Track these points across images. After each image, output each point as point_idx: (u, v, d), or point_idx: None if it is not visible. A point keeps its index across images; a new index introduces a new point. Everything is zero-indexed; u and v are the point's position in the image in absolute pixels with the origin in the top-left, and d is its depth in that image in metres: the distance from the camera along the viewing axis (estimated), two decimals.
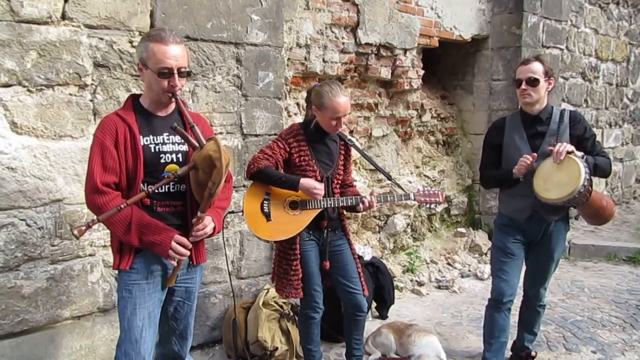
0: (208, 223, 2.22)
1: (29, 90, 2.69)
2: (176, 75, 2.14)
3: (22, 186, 2.70)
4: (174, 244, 2.12)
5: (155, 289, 2.24)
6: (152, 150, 2.19)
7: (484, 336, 3.20)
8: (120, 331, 2.22)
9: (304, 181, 2.78)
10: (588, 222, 3.26)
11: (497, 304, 3.11)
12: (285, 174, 2.83)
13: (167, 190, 2.22)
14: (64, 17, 2.77)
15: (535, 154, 2.88)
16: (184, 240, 2.15)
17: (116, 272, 2.46)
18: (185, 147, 2.25)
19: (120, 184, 2.15)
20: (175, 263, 2.19)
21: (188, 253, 2.17)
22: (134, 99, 2.27)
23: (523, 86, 2.94)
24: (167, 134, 2.23)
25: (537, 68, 2.94)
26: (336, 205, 2.92)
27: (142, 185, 2.16)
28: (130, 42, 3.01)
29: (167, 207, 2.23)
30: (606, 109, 7.75)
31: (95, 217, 2.04)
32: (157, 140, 2.21)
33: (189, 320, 2.41)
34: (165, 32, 2.16)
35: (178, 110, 2.28)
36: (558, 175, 2.79)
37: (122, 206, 2.03)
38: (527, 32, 5.78)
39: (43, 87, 2.74)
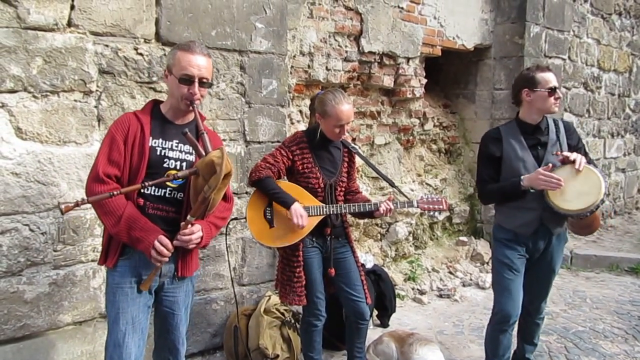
0: (196, 231, 2.20)
1: (34, 96, 2.71)
2: (196, 84, 2.19)
3: (26, 191, 2.71)
4: (156, 242, 2.11)
5: (140, 293, 2.23)
6: (158, 153, 2.22)
7: (487, 353, 3.11)
8: (107, 333, 2.24)
9: (294, 207, 2.76)
10: (580, 232, 3.16)
11: (502, 327, 2.97)
12: (282, 191, 2.82)
13: (163, 194, 2.23)
14: (70, 24, 2.80)
15: (550, 165, 2.78)
16: (167, 241, 2.13)
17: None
18: (191, 157, 2.27)
19: (121, 179, 2.17)
20: (158, 264, 2.16)
21: (169, 254, 2.14)
22: (155, 103, 2.34)
23: (559, 94, 2.86)
24: (177, 141, 2.26)
25: None
26: (348, 211, 2.93)
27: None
28: (136, 49, 3.03)
29: (159, 210, 2.23)
30: (608, 119, 7.76)
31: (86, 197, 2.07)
32: (165, 144, 2.24)
33: (180, 331, 2.39)
34: (194, 43, 2.26)
35: (197, 126, 2.29)
36: (576, 186, 2.72)
37: (115, 193, 2.04)
38: (530, 41, 5.80)
39: (48, 93, 2.75)
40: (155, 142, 2.22)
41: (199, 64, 2.20)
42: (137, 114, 2.25)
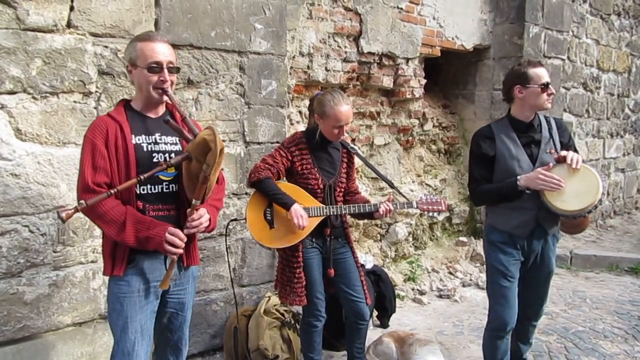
0: (203, 214, 2.19)
1: (33, 98, 2.71)
2: (166, 71, 2.15)
3: (25, 192, 2.71)
4: (168, 235, 2.08)
5: (148, 300, 2.19)
6: (145, 150, 2.17)
7: (485, 358, 3.07)
8: (113, 342, 2.20)
9: (294, 208, 2.77)
10: (569, 231, 3.08)
11: (499, 334, 2.92)
12: (282, 192, 2.82)
13: (160, 190, 2.19)
14: (69, 25, 2.80)
15: (551, 165, 2.70)
16: (178, 231, 2.12)
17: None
18: (178, 147, 2.24)
19: (112, 185, 2.10)
20: (175, 257, 2.14)
21: (183, 245, 2.13)
22: (126, 102, 2.27)
23: (552, 90, 2.78)
24: (160, 133, 2.22)
25: None
26: (347, 212, 2.93)
27: (136, 187, 2.13)
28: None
29: (160, 210, 2.19)
30: (607, 119, 7.77)
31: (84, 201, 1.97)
32: (149, 139, 2.20)
33: (184, 331, 2.38)
34: (152, 32, 2.21)
35: (169, 111, 2.29)
36: (574, 185, 2.65)
37: (112, 192, 1.99)
38: (529, 42, 5.81)
39: (48, 95, 2.76)
40: (138, 139, 2.17)
41: (163, 50, 2.16)
42: (110, 115, 2.18)
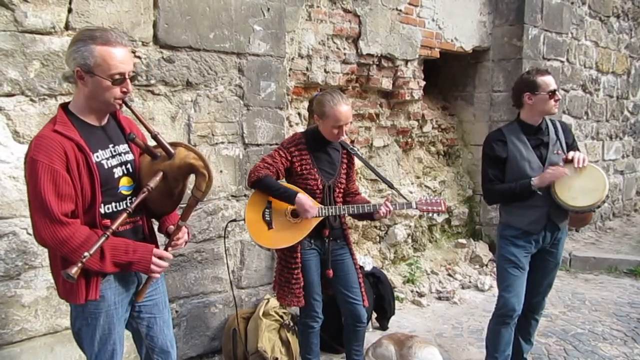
0: (185, 230, 2.18)
1: (31, 100, 2.71)
2: (128, 80, 1.96)
3: (23, 195, 2.69)
4: (155, 259, 2.02)
5: (123, 310, 2.10)
6: (106, 167, 2.00)
7: (488, 350, 3.16)
8: (87, 356, 2.10)
9: (300, 197, 2.78)
10: (575, 224, 3.30)
11: (505, 320, 3.05)
12: (284, 186, 2.83)
13: (124, 206, 2.06)
14: (67, 27, 2.79)
15: (562, 165, 2.91)
16: (164, 253, 2.06)
17: None
18: (130, 156, 2.11)
19: (76, 211, 1.92)
20: (157, 276, 2.10)
21: (167, 264, 2.08)
22: (65, 109, 2.00)
23: (558, 96, 2.99)
24: (112, 144, 2.06)
25: None
26: (347, 213, 2.93)
27: (101, 207, 1.98)
28: (133, 52, 3.02)
29: (127, 224, 2.07)
30: (607, 121, 7.76)
31: (87, 252, 1.81)
32: (106, 154, 2.02)
33: (166, 332, 2.27)
34: (110, 32, 1.94)
35: (113, 116, 2.11)
36: (581, 183, 2.85)
37: (109, 233, 1.86)
38: (528, 44, 5.80)
39: (46, 97, 2.75)
40: (97, 157, 1.97)
41: (126, 57, 1.93)
42: (59, 131, 1.89)
